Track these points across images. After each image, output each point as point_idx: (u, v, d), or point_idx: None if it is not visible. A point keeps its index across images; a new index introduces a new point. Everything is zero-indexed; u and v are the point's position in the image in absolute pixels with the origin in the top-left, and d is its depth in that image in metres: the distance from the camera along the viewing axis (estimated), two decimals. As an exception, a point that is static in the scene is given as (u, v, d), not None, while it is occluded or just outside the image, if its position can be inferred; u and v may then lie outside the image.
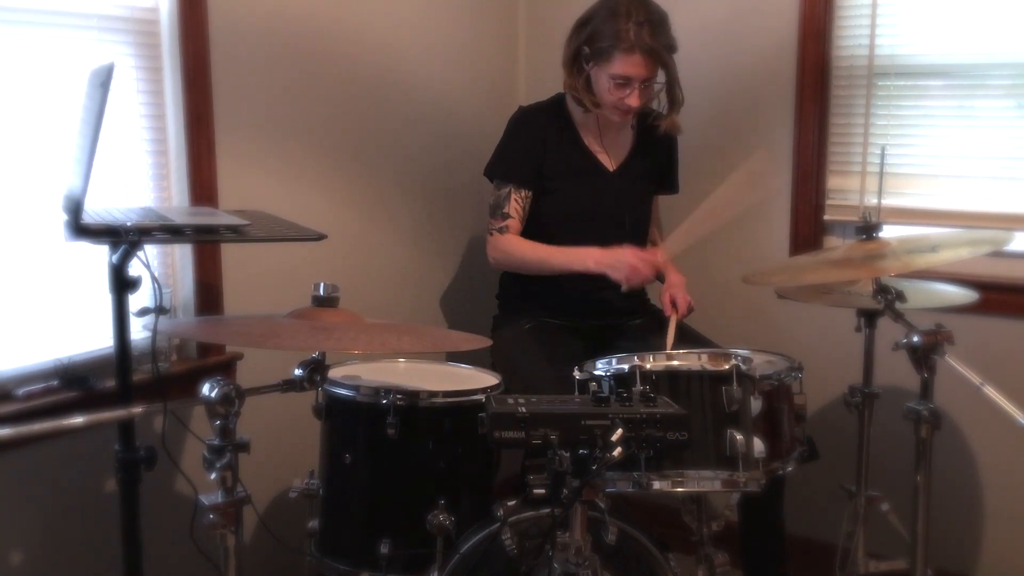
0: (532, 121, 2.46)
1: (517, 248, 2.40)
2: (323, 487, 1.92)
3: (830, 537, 2.41)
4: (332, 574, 1.92)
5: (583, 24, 2.33)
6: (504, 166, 2.44)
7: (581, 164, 2.45)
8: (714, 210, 2.22)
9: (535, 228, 2.43)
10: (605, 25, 2.26)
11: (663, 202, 2.70)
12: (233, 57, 2.20)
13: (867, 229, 2.01)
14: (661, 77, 2.32)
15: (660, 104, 2.43)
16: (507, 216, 2.40)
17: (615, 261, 2.24)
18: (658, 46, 2.23)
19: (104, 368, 1.93)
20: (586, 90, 2.36)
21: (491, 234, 2.43)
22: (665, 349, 2.14)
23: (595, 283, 2.43)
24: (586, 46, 2.30)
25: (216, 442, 1.45)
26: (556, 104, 2.49)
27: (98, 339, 1.98)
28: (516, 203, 2.40)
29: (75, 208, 1.43)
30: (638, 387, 1.66)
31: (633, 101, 2.28)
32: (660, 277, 2.45)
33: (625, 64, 2.24)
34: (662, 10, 2.29)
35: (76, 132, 1.53)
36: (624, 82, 2.27)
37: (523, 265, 2.43)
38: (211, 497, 1.46)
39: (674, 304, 2.32)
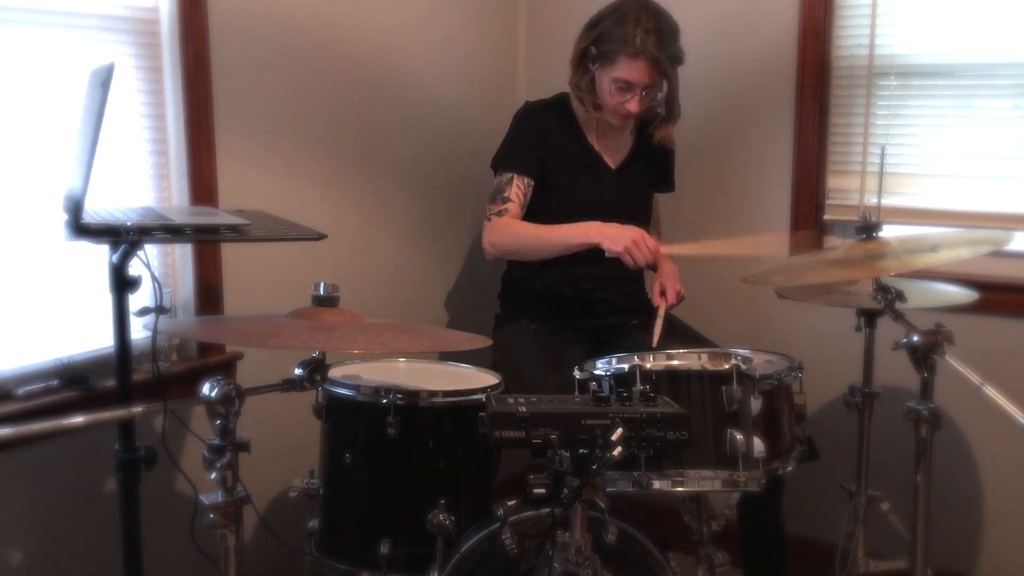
0: (537, 115, 2.47)
1: (515, 229, 2.36)
2: (323, 487, 1.92)
3: (830, 537, 2.41)
4: (332, 574, 1.92)
5: (594, 24, 2.33)
6: (508, 156, 2.44)
7: (583, 161, 2.45)
8: (726, 246, 2.25)
9: (535, 223, 2.43)
10: (614, 28, 2.26)
11: (663, 202, 2.70)
12: (233, 57, 2.20)
13: (867, 229, 2.01)
14: (664, 87, 2.32)
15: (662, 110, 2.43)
16: (507, 200, 2.37)
17: (615, 233, 2.18)
18: (663, 56, 2.23)
19: (104, 368, 1.93)
20: (589, 90, 2.36)
21: (488, 219, 2.38)
22: (652, 340, 2.16)
23: (596, 283, 2.43)
24: (593, 47, 2.31)
25: (216, 442, 1.44)
26: (560, 102, 2.49)
27: (98, 339, 1.98)
28: (517, 188, 2.39)
29: (75, 208, 1.43)
30: (638, 387, 1.66)
31: (633, 107, 2.29)
32: (652, 267, 2.46)
33: (628, 69, 2.24)
34: (674, 22, 2.29)
35: (76, 132, 1.53)
36: (626, 87, 2.27)
37: (521, 247, 2.38)
38: (211, 497, 1.46)
39: (663, 293, 2.32)
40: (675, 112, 2.40)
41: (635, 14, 2.24)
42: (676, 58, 2.28)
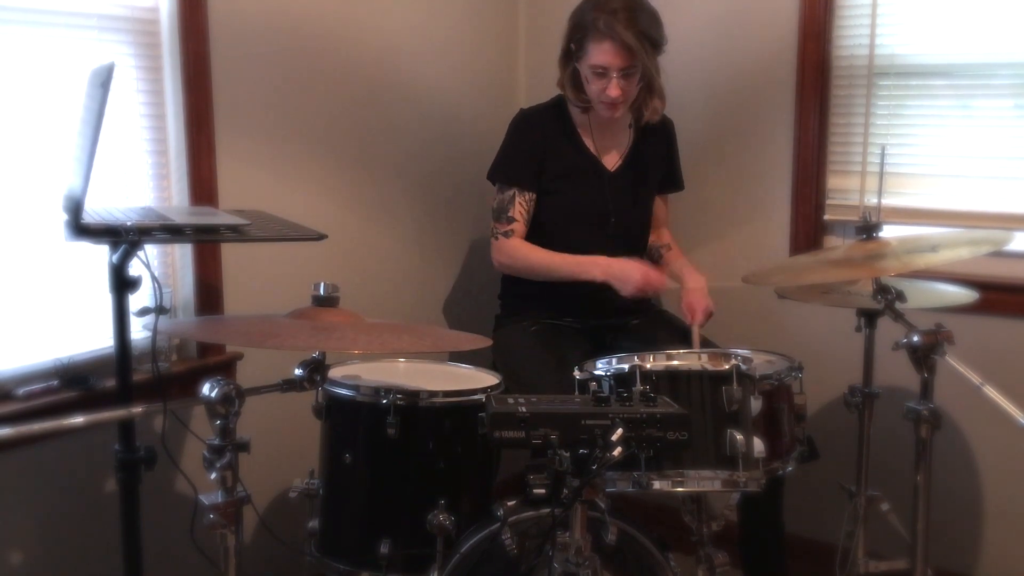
0: (532, 123, 2.46)
1: (523, 253, 2.39)
2: (323, 487, 1.92)
3: (830, 537, 2.41)
4: (332, 574, 1.92)
5: (570, 19, 2.33)
6: (507, 170, 2.44)
7: (581, 165, 2.45)
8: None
9: (535, 229, 2.43)
10: (585, 17, 2.26)
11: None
12: (233, 57, 2.20)
13: (867, 229, 2.01)
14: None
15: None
16: (512, 220, 2.39)
17: (621, 274, 2.23)
18: (630, 34, 2.19)
19: (104, 368, 1.93)
20: (572, 86, 2.36)
21: (496, 238, 2.42)
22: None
23: (596, 283, 2.43)
24: (571, 42, 2.31)
25: (216, 442, 1.45)
26: (556, 106, 2.48)
27: (98, 339, 1.98)
28: (521, 206, 2.40)
29: (75, 208, 1.43)
30: (638, 387, 1.66)
31: (613, 91, 2.26)
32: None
33: (599, 53, 2.23)
34: (649, 5, 2.28)
35: (76, 132, 1.53)
36: (602, 72, 2.25)
37: (529, 271, 2.41)
38: (211, 497, 1.46)
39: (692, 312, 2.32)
40: (655, 89, 2.38)
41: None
42: (647, 35, 2.23)
